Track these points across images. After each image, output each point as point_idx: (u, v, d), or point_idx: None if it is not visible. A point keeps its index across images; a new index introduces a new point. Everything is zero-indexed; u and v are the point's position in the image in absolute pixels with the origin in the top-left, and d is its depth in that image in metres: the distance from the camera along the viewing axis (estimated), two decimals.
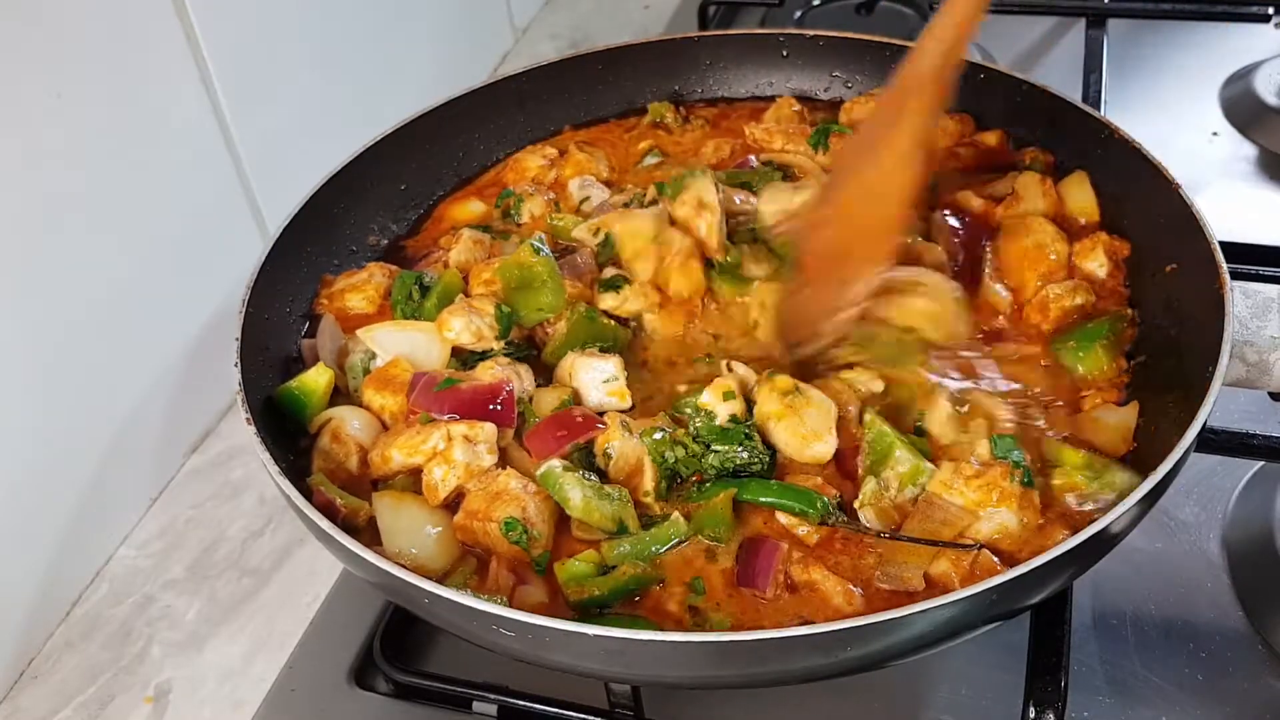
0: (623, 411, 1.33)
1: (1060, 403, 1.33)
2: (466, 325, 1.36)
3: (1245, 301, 1.27)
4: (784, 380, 1.27)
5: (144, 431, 1.64)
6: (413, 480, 1.27)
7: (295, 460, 1.31)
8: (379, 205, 1.68)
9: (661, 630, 1.11)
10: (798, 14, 2.45)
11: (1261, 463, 1.47)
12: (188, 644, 1.48)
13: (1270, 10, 2.26)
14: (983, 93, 1.71)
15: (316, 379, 1.34)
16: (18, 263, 1.38)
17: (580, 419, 1.27)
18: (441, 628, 1.20)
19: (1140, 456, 1.25)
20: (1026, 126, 1.66)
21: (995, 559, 1.14)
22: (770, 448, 1.27)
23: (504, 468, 1.24)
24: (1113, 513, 1.05)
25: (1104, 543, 1.09)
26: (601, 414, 1.30)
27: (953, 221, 1.49)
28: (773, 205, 1.49)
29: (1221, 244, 1.29)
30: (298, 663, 1.40)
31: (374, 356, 1.39)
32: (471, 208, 1.72)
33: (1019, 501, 1.16)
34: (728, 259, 1.48)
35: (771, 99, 1.86)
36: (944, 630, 1.03)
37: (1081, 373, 1.35)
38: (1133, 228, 1.49)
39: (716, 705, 1.30)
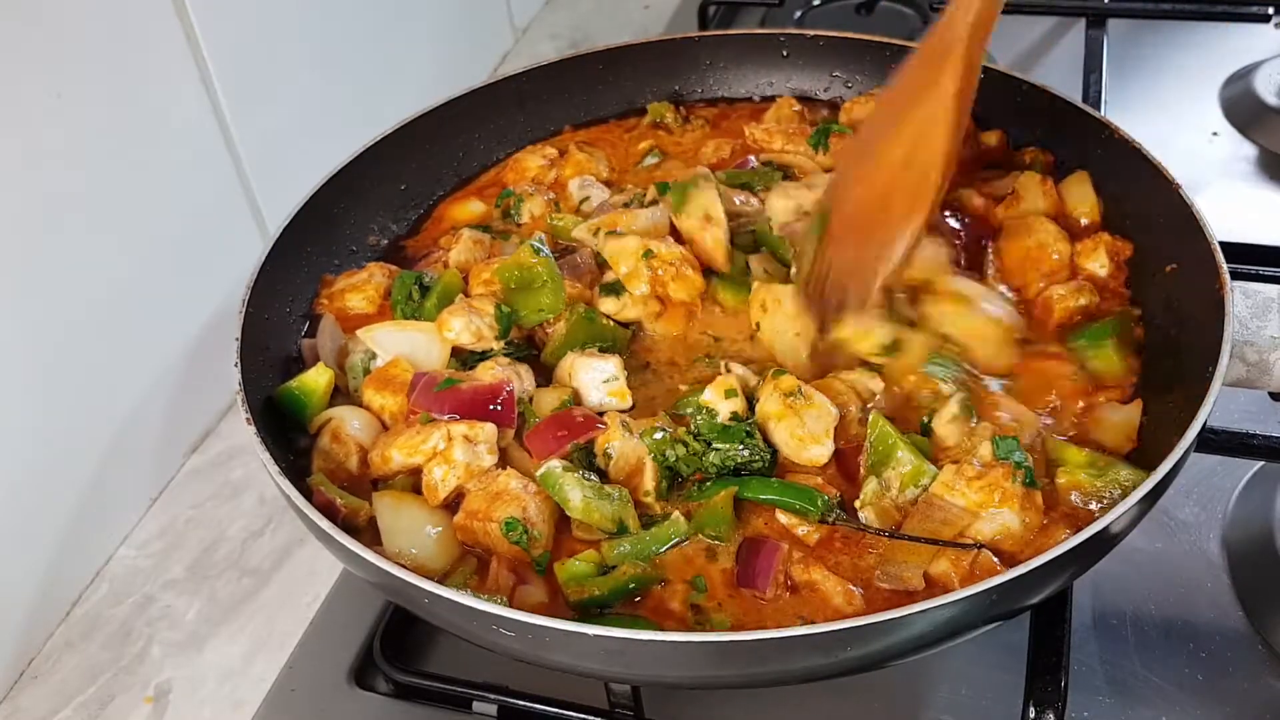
0: (623, 411, 1.33)
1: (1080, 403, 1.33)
2: (466, 325, 1.36)
3: (1245, 301, 1.27)
4: (788, 380, 1.27)
5: (144, 431, 1.64)
6: (413, 480, 1.27)
7: (295, 460, 1.31)
8: (379, 205, 1.68)
9: (661, 630, 1.11)
10: (798, 14, 2.45)
11: (1261, 463, 1.47)
12: (188, 644, 1.48)
13: (1270, 10, 2.26)
14: (983, 93, 1.69)
15: (316, 379, 1.34)
16: (18, 263, 1.38)
17: (580, 419, 1.27)
18: (441, 628, 1.21)
19: (1141, 456, 1.25)
20: (1026, 126, 1.66)
21: (995, 559, 1.14)
22: (771, 446, 1.27)
23: (504, 468, 1.24)
24: (1112, 513, 1.05)
25: (1104, 543, 1.09)
26: (602, 414, 1.30)
27: (953, 222, 1.49)
28: (785, 201, 1.48)
29: (1221, 244, 1.29)
30: (298, 663, 1.40)
31: (374, 356, 1.39)
32: (471, 208, 1.72)
33: (1021, 502, 1.16)
34: (732, 270, 1.48)
35: (772, 99, 1.86)
36: (944, 630, 1.03)
37: (1092, 371, 1.35)
38: (1133, 228, 1.49)
39: (716, 705, 1.30)
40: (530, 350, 1.42)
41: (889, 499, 1.21)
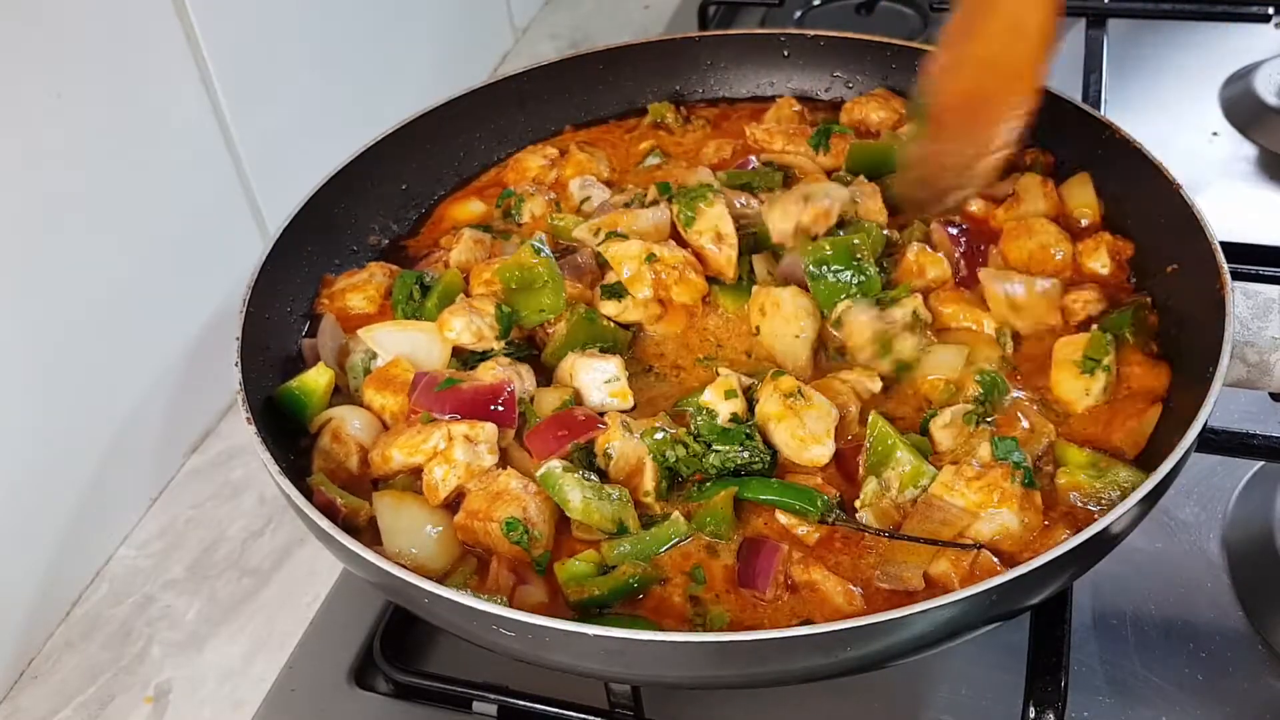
0: (624, 412, 1.33)
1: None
2: (467, 325, 1.36)
3: (1246, 302, 1.27)
4: (787, 381, 1.27)
5: (144, 431, 1.64)
6: (413, 480, 1.27)
7: (295, 460, 1.31)
8: (379, 205, 1.68)
9: (661, 630, 1.11)
10: (798, 14, 2.45)
11: (1261, 463, 1.47)
12: (188, 644, 1.48)
13: (1270, 10, 2.26)
14: None
15: (317, 379, 1.34)
16: (18, 263, 1.38)
17: (581, 419, 1.27)
18: (441, 628, 1.21)
19: (1142, 456, 1.25)
20: (1027, 127, 1.66)
21: (995, 559, 1.14)
22: (771, 447, 1.27)
23: (504, 468, 1.24)
24: (1112, 513, 1.05)
25: (1104, 543, 1.09)
26: (602, 414, 1.30)
27: (951, 230, 1.49)
28: (784, 224, 1.47)
29: (1222, 244, 1.30)
30: (298, 663, 1.40)
31: (374, 356, 1.39)
32: (472, 208, 1.72)
33: (1020, 502, 1.16)
34: (741, 282, 1.48)
35: (772, 99, 1.86)
36: (944, 630, 1.03)
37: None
38: (1134, 228, 1.49)
39: (716, 705, 1.30)
40: (531, 350, 1.42)
41: (888, 499, 1.21)
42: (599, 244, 1.48)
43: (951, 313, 1.41)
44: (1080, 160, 1.58)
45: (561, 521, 1.22)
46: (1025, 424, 1.27)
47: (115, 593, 1.55)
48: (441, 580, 1.16)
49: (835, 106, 1.83)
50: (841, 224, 1.50)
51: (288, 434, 1.33)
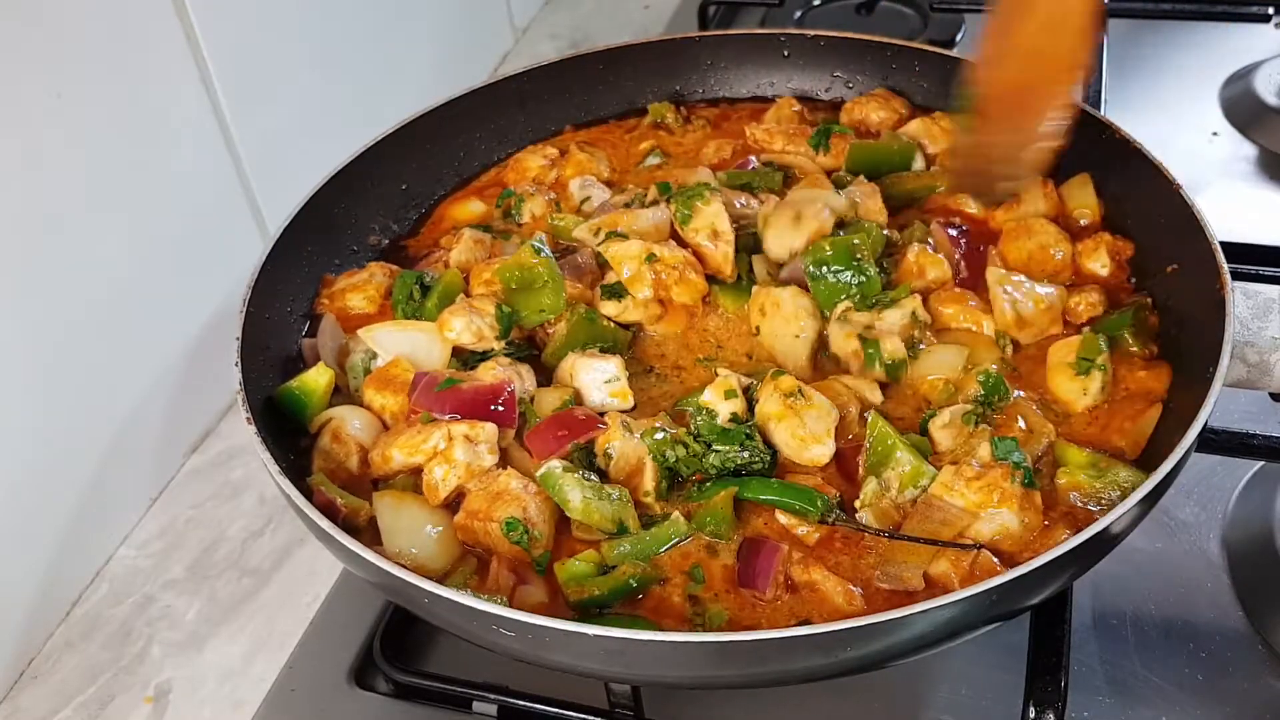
0: (624, 411, 1.33)
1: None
2: (467, 325, 1.36)
3: (1246, 302, 1.27)
4: (788, 381, 1.27)
5: (144, 431, 1.64)
6: (413, 480, 1.27)
7: (295, 460, 1.31)
8: (379, 205, 1.68)
9: (661, 630, 1.11)
10: (798, 14, 2.45)
11: (1261, 463, 1.47)
12: (188, 644, 1.48)
13: (1270, 10, 2.26)
14: None
15: (317, 379, 1.34)
16: (18, 263, 1.38)
17: (581, 419, 1.27)
18: (441, 628, 1.21)
19: (1142, 456, 1.25)
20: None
21: (995, 559, 1.14)
22: (771, 448, 1.27)
23: (505, 468, 1.24)
24: (1113, 513, 1.05)
25: (1104, 543, 1.09)
26: (602, 414, 1.30)
27: (951, 231, 1.49)
28: (780, 251, 1.47)
29: (1222, 244, 1.30)
30: (298, 663, 1.40)
31: (375, 356, 1.39)
32: (472, 208, 1.72)
33: (1020, 502, 1.16)
34: (740, 281, 1.48)
35: (772, 99, 1.86)
36: (944, 631, 1.04)
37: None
38: (1134, 228, 1.49)
39: (716, 705, 1.30)
40: (531, 350, 1.42)
41: (888, 499, 1.21)
42: (599, 244, 1.48)
43: (952, 313, 1.41)
44: (1080, 160, 1.57)
45: (561, 521, 1.22)
46: (1024, 424, 1.27)
47: (115, 593, 1.55)
48: (441, 580, 1.16)
49: (835, 106, 1.83)
50: (841, 224, 1.50)
51: (288, 434, 1.33)
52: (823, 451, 1.25)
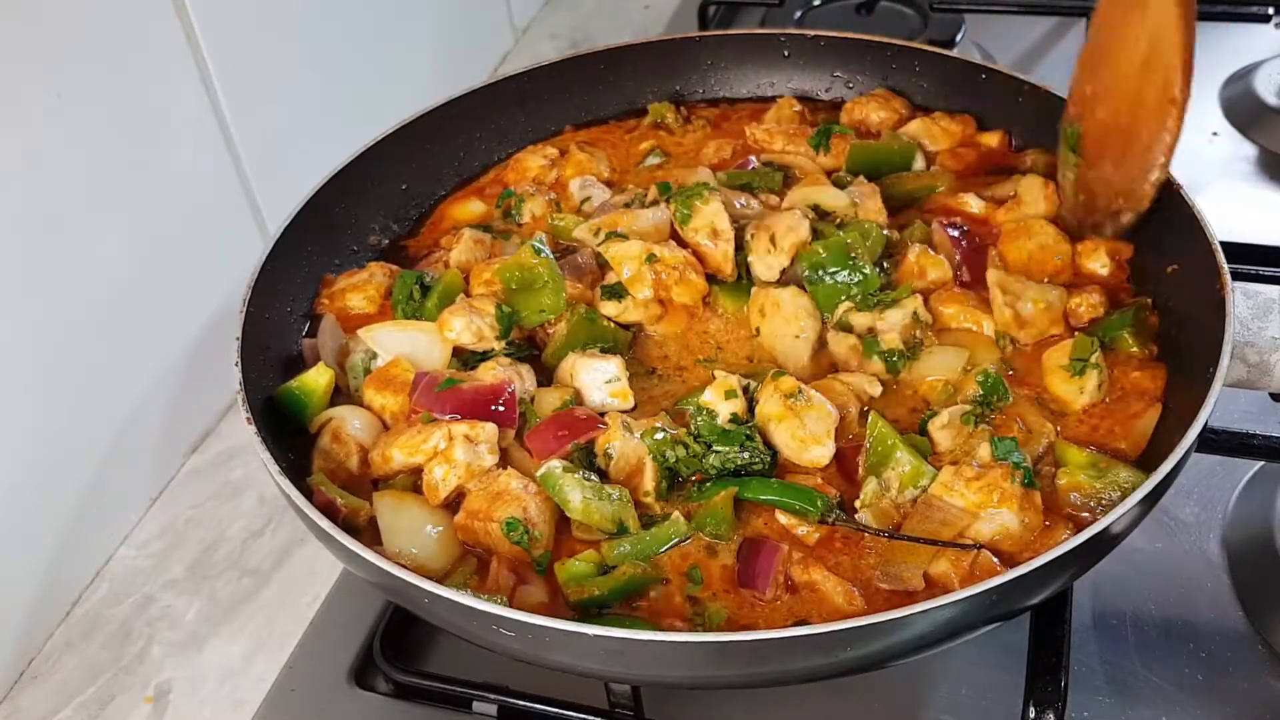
0: (625, 412, 1.33)
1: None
2: (467, 325, 1.36)
3: (1246, 302, 1.27)
4: (788, 381, 1.27)
5: (144, 431, 1.64)
6: (413, 480, 1.27)
7: (295, 460, 1.30)
8: (379, 205, 1.67)
9: (661, 630, 1.11)
10: (798, 14, 2.45)
11: (1261, 463, 1.47)
12: (188, 644, 1.48)
13: (1270, 10, 2.26)
14: (983, 93, 1.71)
15: (317, 379, 1.34)
16: (18, 263, 1.38)
17: (581, 419, 1.27)
18: (441, 628, 1.21)
19: (1143, 456, 1.25)
20: (1027, 127, 1.66)
21: (995, 559, 1.14)
22: (771, 448, 1.27)
23: (505, 468, 1.24)
24: (1113, 514, 1.05)
25: (1104, 543, 1.09)
26: (603, 414, 1.30)
27: (952, 231, 1.49)
28: (769, 275, 1.46)
29: (1222, 244, 1.30)
30: (298, 663, 1.40)
31: (375, 356, 1.39)
32: (472, 208, 1.72)
33: (1020, 503, 1.16)
34: (740, 281, 1.48)
35: (772, 99, 1.86)
36: (944, 631, 1.04)
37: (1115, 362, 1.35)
38: (1133, 228, 1.48)
39: (716, 705, 1.30)
40: (531, 350, 1.42)
41: (888, 499, 1.21)
42: (599, 244, 1.48)
43: (952, 314, 1.41)
44: None
45: (561, 521, 1.22)
46: (1024, 425, 1.27)
47: (115, 593, 1.55)
48: (441, 580, 1.16)
49: (835, 106, 1.83)
50: (840, 225, 1.50)
51: (288, 434, 1.33)
52: (823, 453, 1.25)
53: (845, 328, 1.40)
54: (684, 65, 1.89)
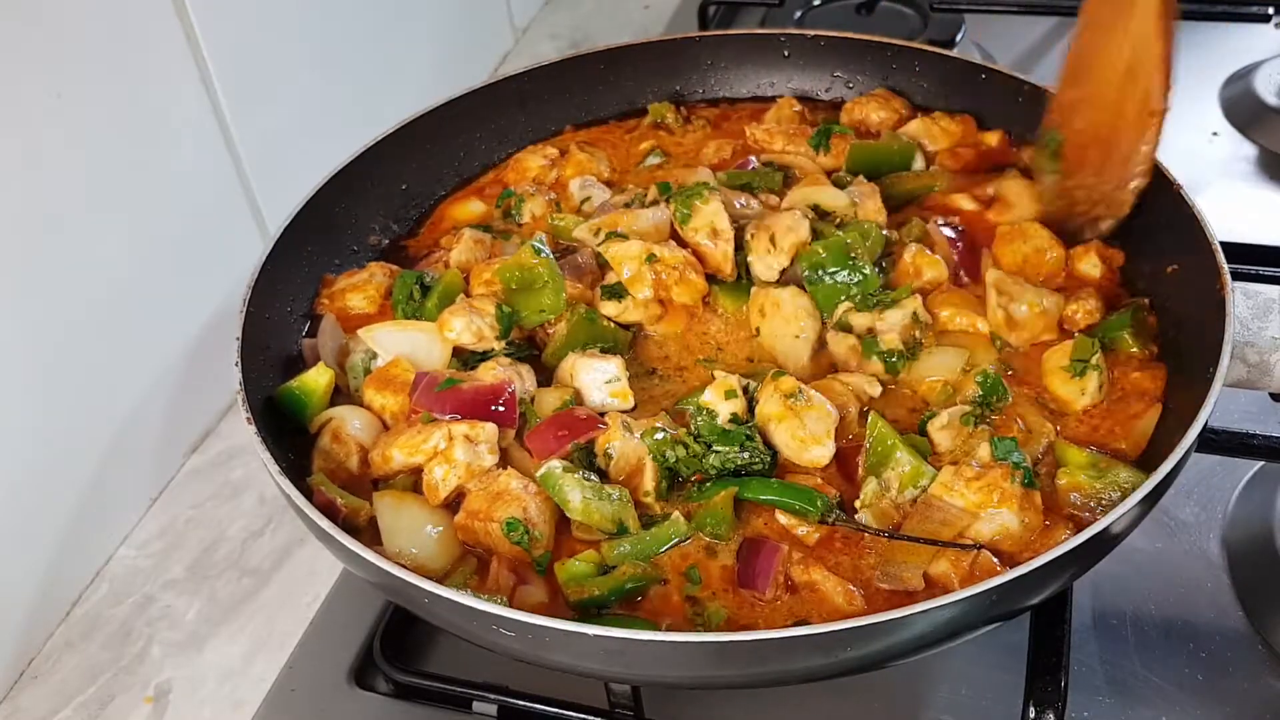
0: (625, 412, 1.33)
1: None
2: (467, 325, 1.36)
3: (1246, 302, 1.27)
4: (788, 381, 1.27)
5: (144, 431, 1.64)
6: (413, 480, 1.27)
7: (295, 460, 1.30)
8: (379, 205, 1.67)
9: (661, 630, 1.11)
10: (798, 14, 2.45)
11: (1261, 463, 1.47)
12: (188, 644, 1.48)
13: (1270, 10, 2.26)
14: (983, 93, 1.71)
15: (317, 379, 1.34)
16: (18, 263, 1.38)
17: (581, 419, 1.27)
18: (441, 628, 1.21)
19: (1143, 456, 1.25)
20: (1028, 127, 1.66)
21: (995, 559, 1.14)
22: (771, 448, 1.27)
23: (505, 468, 1.24)
24: (1113, 514, 1.05)
25: (1104, 543, 1.09)
26: (603, 414, 1.30)
27: (948, 231, 1.49)
28: (769, 275, 1.46)
29: (1222, 244, 1.29)
30: (298, 663, 1.40)
31: (375, 356, 1.39)
32: (472, 208, 1.72)
33: (1020, 503, 1.16)
34: (740, 281, 1.48)
35: (772, 99, 1.86)
36: (944, 631, 1.04)
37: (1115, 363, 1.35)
38: (1133, 229, 1.48)
39: (716, 705, 1.30)
40: (531, 350, 1.42)
41: (888, 499, 1.21)
42: (599, 244, 1.48)
43: (949, 314, 1.41)
44: None
45: (561, 521, 1.22)
46: (1024, 425, 1.27)
47: (115, 593, 1.55)
48: (441, 580, 1.16)
49: (835, 106, 1.83)
50: (840, 225, 1.50)
51: (288, 434, 1.33)
52: (823, 453, 1.25)
53: (845, 328, 1.40)
54: (684, 65, 1.89)
